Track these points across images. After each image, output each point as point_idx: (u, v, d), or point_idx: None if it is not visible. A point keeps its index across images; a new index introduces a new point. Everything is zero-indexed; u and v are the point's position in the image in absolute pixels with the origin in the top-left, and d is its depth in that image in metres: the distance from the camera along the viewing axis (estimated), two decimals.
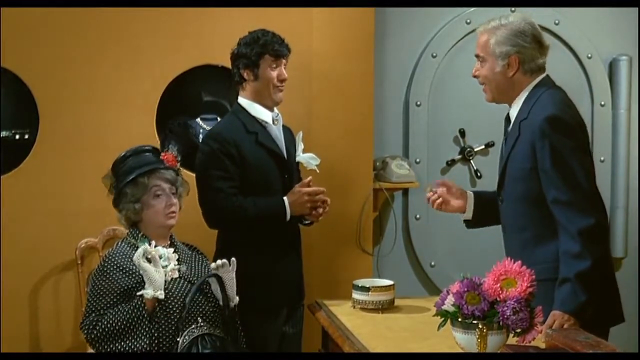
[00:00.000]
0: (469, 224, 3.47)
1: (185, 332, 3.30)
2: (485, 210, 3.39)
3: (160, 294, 3.28)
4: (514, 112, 3.20)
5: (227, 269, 3.39)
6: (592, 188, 3.05)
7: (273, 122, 3.78)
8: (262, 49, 3.70)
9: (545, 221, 3.06)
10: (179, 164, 3.59)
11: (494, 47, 3.14)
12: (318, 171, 3.91)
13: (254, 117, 3.75)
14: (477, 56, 3.22)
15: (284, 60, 3.75)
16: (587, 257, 2.93)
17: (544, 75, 3.18)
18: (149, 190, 3.45)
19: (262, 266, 3.69)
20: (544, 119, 3.02)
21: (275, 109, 3.81)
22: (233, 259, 3.39)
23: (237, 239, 3.73)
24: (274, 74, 3.72)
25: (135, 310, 3.28)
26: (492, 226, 3.40)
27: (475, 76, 3.24)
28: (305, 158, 3.89)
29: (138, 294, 3.30)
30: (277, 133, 3.79)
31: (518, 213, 3.17)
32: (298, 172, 3.92)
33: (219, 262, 3.38)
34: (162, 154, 3.57)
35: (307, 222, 3.83)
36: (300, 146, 3.90)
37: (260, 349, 3.67)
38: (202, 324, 3.34)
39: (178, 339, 3.29)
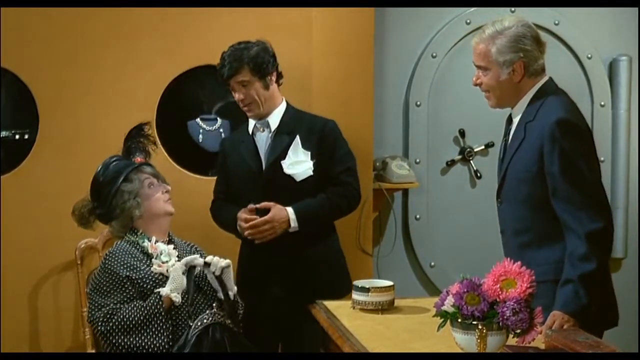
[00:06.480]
0: None
1: (199, 318, 3.32)
2: None
3: (177, 297, 3.32)
4: (517, 114, 3.16)
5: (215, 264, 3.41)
6: (601, 193, 3.03)
7: (261, 131, 3.80)
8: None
9: (548, 224, 3.04)
10: (149, 159, 3.70)
11: (497, 56, 3.07)
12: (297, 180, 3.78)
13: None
14: (477, 66, 3.15)
15: (235, 84, 3.73)
16: (592, 260, 2.90)
17: (547, 78, 3.14)
18: (142, 183, 3.55)
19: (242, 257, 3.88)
20: (554, 122, 2.98)
21: (270, 118, 3.79)
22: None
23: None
24: (236, 96, 3.79)
25: (152, 307, 3.31)
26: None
27: (476, 84, 3.18)
28: (291, 171, 3.75)
29: (155, 291, 3.34)
30: (263, 143, 3.81)
31: (519, 215, 3.14)
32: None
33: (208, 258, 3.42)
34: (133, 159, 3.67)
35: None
36: (297, 153, 3.77)
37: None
38: (216, 310, 3.36)
39: (190, 323, 3.31)
